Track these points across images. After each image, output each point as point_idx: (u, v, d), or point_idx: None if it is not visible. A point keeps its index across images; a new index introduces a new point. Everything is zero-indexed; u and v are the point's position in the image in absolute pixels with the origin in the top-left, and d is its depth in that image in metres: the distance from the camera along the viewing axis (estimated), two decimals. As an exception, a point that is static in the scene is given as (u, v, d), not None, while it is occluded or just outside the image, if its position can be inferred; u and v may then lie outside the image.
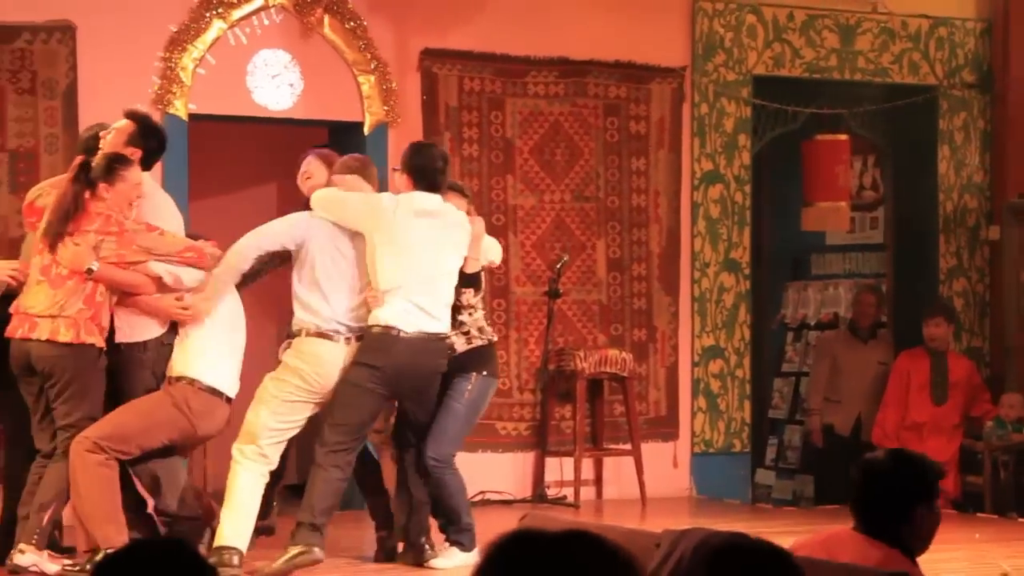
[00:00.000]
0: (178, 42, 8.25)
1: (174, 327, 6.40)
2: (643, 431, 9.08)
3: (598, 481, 9.12)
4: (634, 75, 9.33)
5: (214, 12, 8.32)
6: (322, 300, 6.37)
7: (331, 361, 6.33)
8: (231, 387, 6.41)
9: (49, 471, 6.13)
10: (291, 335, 6.48)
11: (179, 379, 6.32)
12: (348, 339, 6.36)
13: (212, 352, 6.34)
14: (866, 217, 11.02)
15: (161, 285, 6.30)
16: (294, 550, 6.24)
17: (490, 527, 6.47)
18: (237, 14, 8.37)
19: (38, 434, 6.25)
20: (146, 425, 6.19)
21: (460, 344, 6.61)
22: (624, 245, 9.33)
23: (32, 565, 6.02)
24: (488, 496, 8.45)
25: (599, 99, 9.29)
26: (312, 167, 6.76)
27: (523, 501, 8.64)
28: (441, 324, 6.43)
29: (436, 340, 6.41)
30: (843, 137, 9.74)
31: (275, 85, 8.50)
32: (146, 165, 6.46)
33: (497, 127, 9.07)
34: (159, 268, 6.27)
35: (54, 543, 6.53)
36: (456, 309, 6.58)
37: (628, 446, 8.94)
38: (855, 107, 9.80)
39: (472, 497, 7.26)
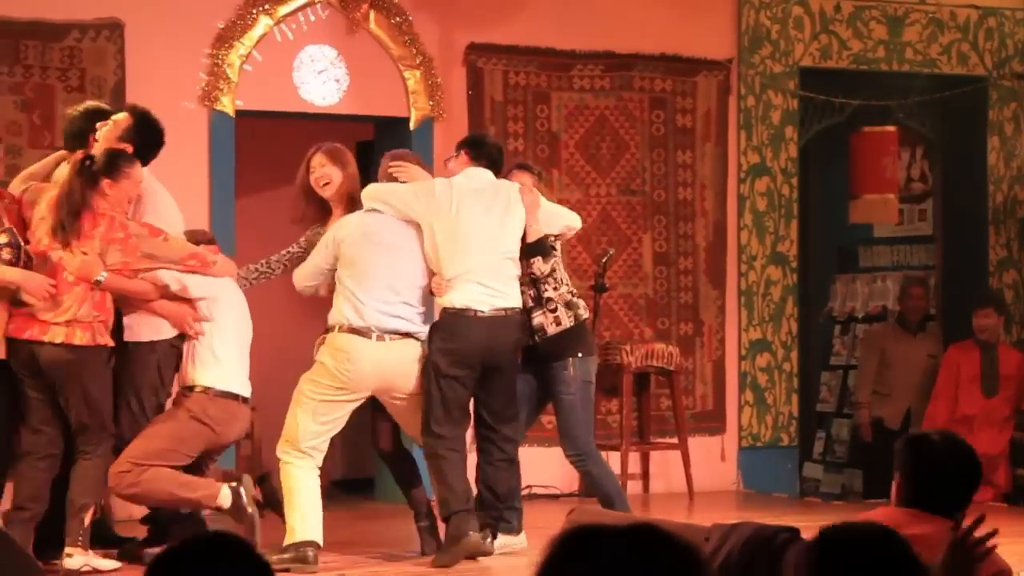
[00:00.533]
0: (225, 39, 8.29)
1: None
2: (690, 425, 9.05)
3: (645, 475, 9.10)
4: (680, 68, 9.30)
5: (260, 9, 8.35)
6: (358, 299, 6.37)
7: (361, 357, 6.33)
8: (244, 387, 6.41)
9: (77, 472, 6.11)
10: (327, 330, 6.49)
11: (192, 389, 6.33)
12: (380, 336, 6.37)
13: (222, 357, 6.34)
14: (914, 209, 10.94)
15: (167, 292, 6.30)
16: (454, 539, 6.29)
17: (538, 521, 6.49)
18: (283, 10, 8.40)
19: (32, 435, 6.17)
20: (172, 447, 6.21)
21: (549, 326, 6.63)
22: (670, 239, 9.30)
23: (83, 566, 6.05)
24: (535, 490, 8.45)
25: (645, 92, 9.26)
26: (328, 171, 6.65)
27: (570, 495, 8.63)
28: (511, 299, 6.49)
29: (511, 314, 6.48)
30: (891, 129, 9.67)
31: (321, 81, 8.52)
32: (142, 160, 6.36)
33: (543, 121, 9.06)
34: (167, 277, 6.26)
35: (110, 534, 6.59)
36: (534, 282, 6.60)
37: (675, 440, 8.91)
38: (903, 98, 9.72)
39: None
